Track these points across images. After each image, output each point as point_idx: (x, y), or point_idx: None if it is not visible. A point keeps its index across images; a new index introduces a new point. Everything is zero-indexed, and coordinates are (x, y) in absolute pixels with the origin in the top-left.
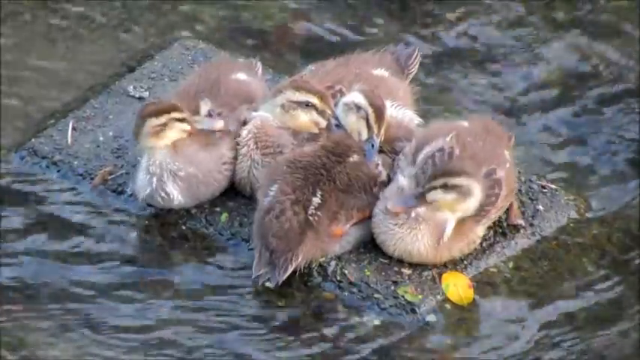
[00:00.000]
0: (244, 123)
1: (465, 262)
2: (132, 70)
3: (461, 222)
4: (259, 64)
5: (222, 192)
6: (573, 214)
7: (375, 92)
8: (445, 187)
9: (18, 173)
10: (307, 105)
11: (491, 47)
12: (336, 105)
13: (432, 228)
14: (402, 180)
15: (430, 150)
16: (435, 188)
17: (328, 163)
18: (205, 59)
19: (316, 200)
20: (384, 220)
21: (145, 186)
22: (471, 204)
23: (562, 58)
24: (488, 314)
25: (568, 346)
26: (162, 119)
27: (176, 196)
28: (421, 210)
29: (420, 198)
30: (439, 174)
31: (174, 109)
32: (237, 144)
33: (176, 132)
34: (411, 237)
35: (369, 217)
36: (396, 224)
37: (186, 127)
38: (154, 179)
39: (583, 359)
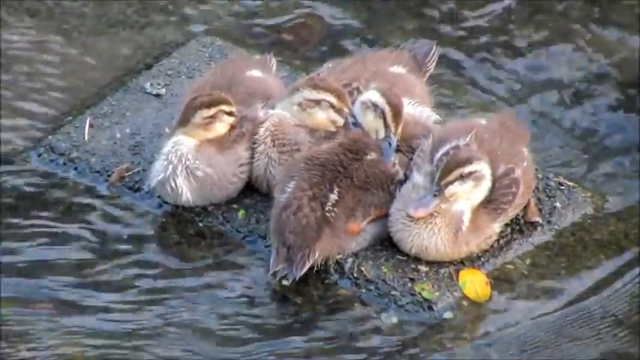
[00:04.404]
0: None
1: (482, 259)
2: (149, 67)
3: (478, 218)
4: (274, 60)
5: (238, 193)
6: (590, 211)
7: (393, 90)
8: (461, 177)
9: (35, 170)
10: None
11: (509, 44)
12: (353, 103)
13: (448, 220)
14: (418, 177)
15: (448, 149)
16: (451, 182)
17: (345, 160)
18: (222, 56)
19: (333, 197)
20: (400, 219)
21: (159, 172)
22: (485, 187)
23: (580, 54)
24: (506, 311)
25: (585, 343)
26: (213, 111)
27: (184, 191)
28: None
29: (439, 196)
30: (452, 166)
31: (224, 101)
32: (254, 142)
33: (224, 125)
34: (427, 232)
35: (386, 215)
36: (412, 221)
37: (232, 120)
38: (170, 168)
39: (600, 356)
